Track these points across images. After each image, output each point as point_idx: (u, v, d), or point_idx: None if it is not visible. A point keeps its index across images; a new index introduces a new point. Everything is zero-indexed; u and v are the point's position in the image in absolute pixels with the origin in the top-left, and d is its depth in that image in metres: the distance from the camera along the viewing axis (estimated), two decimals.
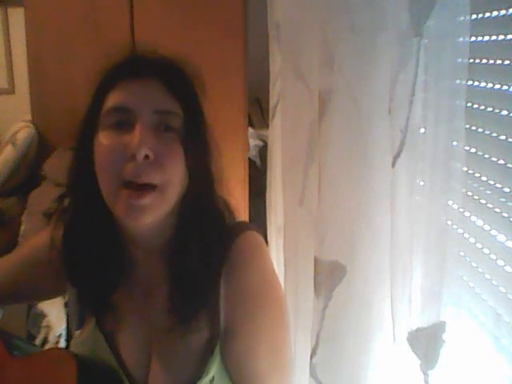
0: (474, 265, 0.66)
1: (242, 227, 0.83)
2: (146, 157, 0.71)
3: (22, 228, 2.00)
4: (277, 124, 1.17)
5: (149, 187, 0.72)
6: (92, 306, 0.86)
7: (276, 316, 0.78)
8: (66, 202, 0.84)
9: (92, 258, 0.82)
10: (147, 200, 0.71)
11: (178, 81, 0.77)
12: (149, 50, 0.78)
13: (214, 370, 0.78)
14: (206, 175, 0.79)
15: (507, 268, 0.59)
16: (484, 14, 0.63)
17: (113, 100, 0.74)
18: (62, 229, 0.85)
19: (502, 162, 0.61)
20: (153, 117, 0.73)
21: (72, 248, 0.83)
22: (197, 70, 0.79)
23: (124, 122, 0.72)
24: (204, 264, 0.78)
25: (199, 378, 0.77)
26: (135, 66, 0.76)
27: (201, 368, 0.77)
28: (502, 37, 0.61)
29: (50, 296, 1.06)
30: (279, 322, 0.78)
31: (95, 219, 0.80)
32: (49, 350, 1.08)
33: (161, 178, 0.72)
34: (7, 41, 2.87)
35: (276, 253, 1.22)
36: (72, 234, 0.83)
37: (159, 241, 0.80)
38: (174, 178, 0.74)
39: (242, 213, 1.89)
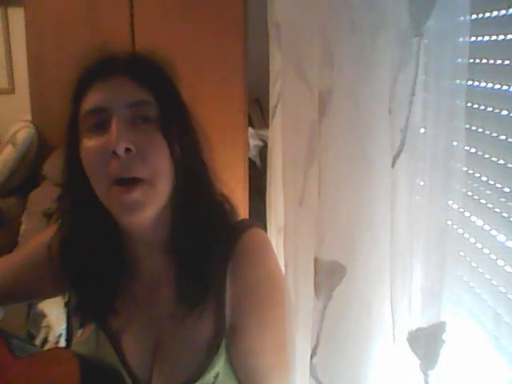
0: (474, 265, 0.66)
1: (247, 224, 0.84)
2: (128, 150, 0.71)
3: (22, 228, 2.00)
4: (277, 124, 1.16)
5: (137, 181, 0.72)
6: (95, 314, 0.86)
7: (281, 312, 0.78)
8: (65, 203, 0.84)
9: (94, 265, 0.82)
10: (138, 194, 0.72)
11: (145, 72, 0.78)
12: (116, 50, 0.79)
13: (219, 366, 0.78)
14: (195, 162, 0.80)
15: (507, 268, 0.59)
16: (484, 14, 0.62)
17: (87, 104, 0.75)
18: (59, 239, 0.85)
19: (502, 162, 0.60)
20: (126, 111, 0.74)
21: (72, 257, 0.83)
22: (167, 58, 0.80)
23: (101, 122, 0.74)
24: (206, 251, 0.78)
25: (203, 373, 0.77)
26: (103, 67, 0.77)
27: (205, 364, 0.78)
28: (502, 37, 0.60)
29: (50, 295, 1.06)
30: (283, 318, 0.79)
31: (94, 224, 0.81)
32: (51, 349, 1.09)
33: (146, 171, 0.73)
34: (7, 41, 2.87)
35: (276, 253, 1.22)
36: (71, 242, 0.83)
37: (160, 234, 0.80)
38: (160, 168, 0.75)
39: (242, 213, 1.89)
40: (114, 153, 0.71)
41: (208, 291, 0.79)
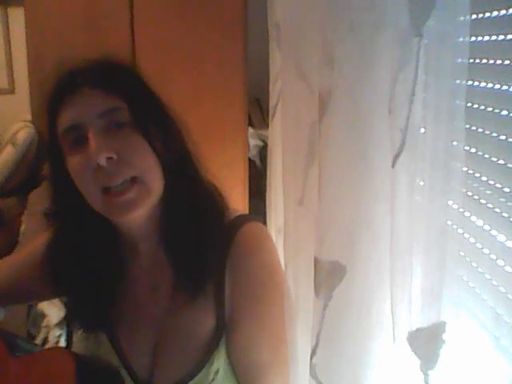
0: (474, 265, 0.66)
1: (246, 218, 0.84)
2: (110, 158, 0.72)
3: (22, 228, 2.00)
4: (277, 124, 1.17)
5: (127, 183, 0.73)
6: (93, 321, 0.86)
7: (279, 306, 0.78)
8: (56, 216, 0.85)
9: (90, 270, 0.82)
10: (131, 194, 0.73)
11: (108, 78, 0.79)
12: (78, 61, 0.80)
13: (220, 362, 0.78)
14: (179, 151, 0.80)
15: (507, 268, 0.59)
16: (484, 14, 0.63)
17: (61, 124, 0.77)
18: (54, 247, 0.85)
19: (502, 162, 0.61)
20: (100, 121, 0.75)
21: (68, 264, 0.84)
22: (125, 59, 0.81)
23: (79, 138, 0.75)
24: (200, 238, 0.78)
25: (201, 368, 0.77)
26: (67, 83, 0.78)
27: (204, 359, 0.78)
28: (502, 37, 0.61)
29: (50, 297, 1.06)
30: (282, 313, 0.78)
31: (88, 228, 0.82)
32: (48, 349, 1.09)
33: (133, 171, 0.74)
34: (7, 41, 2.87)
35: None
36: (66, 249, 0.84)
37: (154, 227, 0.81)
38: (146, 166, 0.76)
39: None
40: (98, 165, 0.72)
41: (205, 281, 0.79)
